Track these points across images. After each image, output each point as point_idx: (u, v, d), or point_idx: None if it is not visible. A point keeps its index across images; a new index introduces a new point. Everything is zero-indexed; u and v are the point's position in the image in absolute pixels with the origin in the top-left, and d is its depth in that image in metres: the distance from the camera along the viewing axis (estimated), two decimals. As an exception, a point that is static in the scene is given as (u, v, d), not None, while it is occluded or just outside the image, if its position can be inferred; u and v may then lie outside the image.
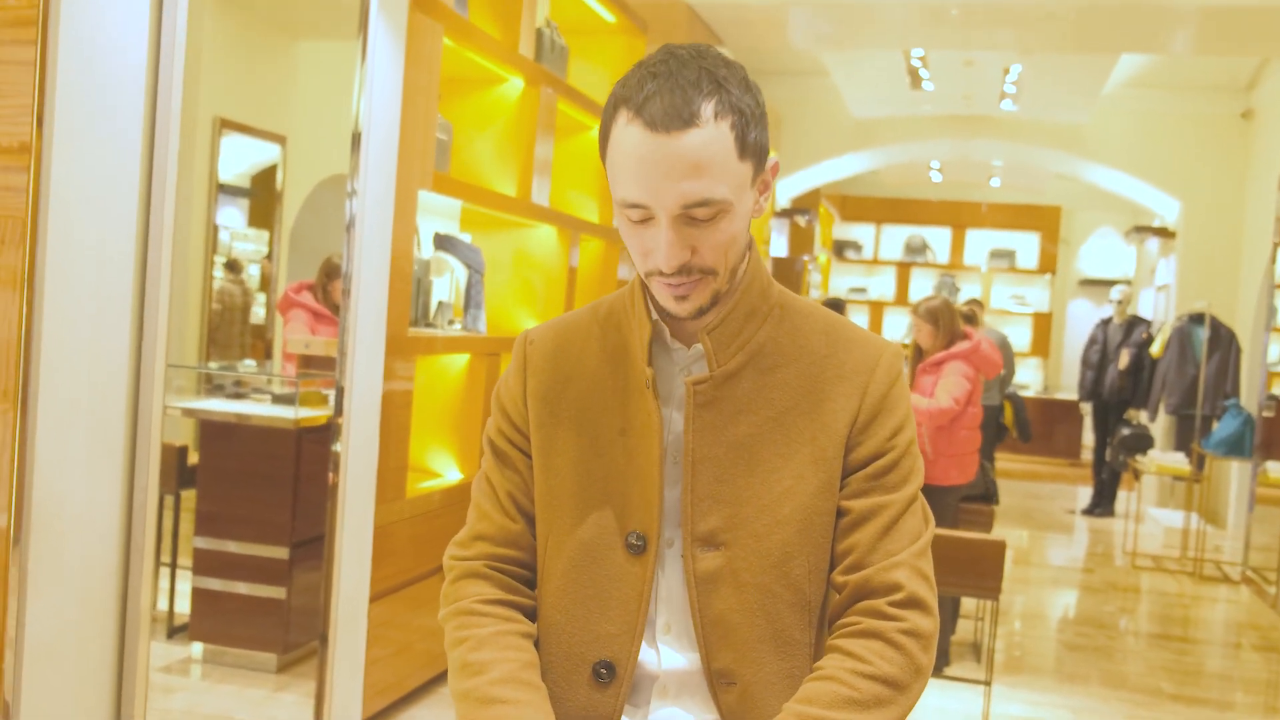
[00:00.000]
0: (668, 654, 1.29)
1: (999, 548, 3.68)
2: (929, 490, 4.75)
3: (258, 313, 4.82)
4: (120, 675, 2.80)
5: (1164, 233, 10.09)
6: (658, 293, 1.25)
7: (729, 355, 1.29)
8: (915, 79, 8.53)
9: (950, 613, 4.87)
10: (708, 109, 1.15)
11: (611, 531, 1.29)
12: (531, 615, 1.36)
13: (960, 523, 4.87)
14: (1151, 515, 8.39)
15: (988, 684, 3.88)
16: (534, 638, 1.34)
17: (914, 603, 1.23)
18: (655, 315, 1.31)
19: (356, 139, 3.22)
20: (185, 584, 4.21)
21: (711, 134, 1.15)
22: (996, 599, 3.76)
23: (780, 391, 1.29)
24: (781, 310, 1.33)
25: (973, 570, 3.71)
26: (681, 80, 1.15)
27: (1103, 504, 9.21)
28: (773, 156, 1.26)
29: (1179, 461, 7.41)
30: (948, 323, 4.72)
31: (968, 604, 5.38)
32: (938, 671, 4.55)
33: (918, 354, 4.95)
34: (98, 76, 2.35)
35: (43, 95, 2.20)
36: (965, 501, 4.98)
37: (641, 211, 1.19)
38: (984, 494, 5.05)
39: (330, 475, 3.36)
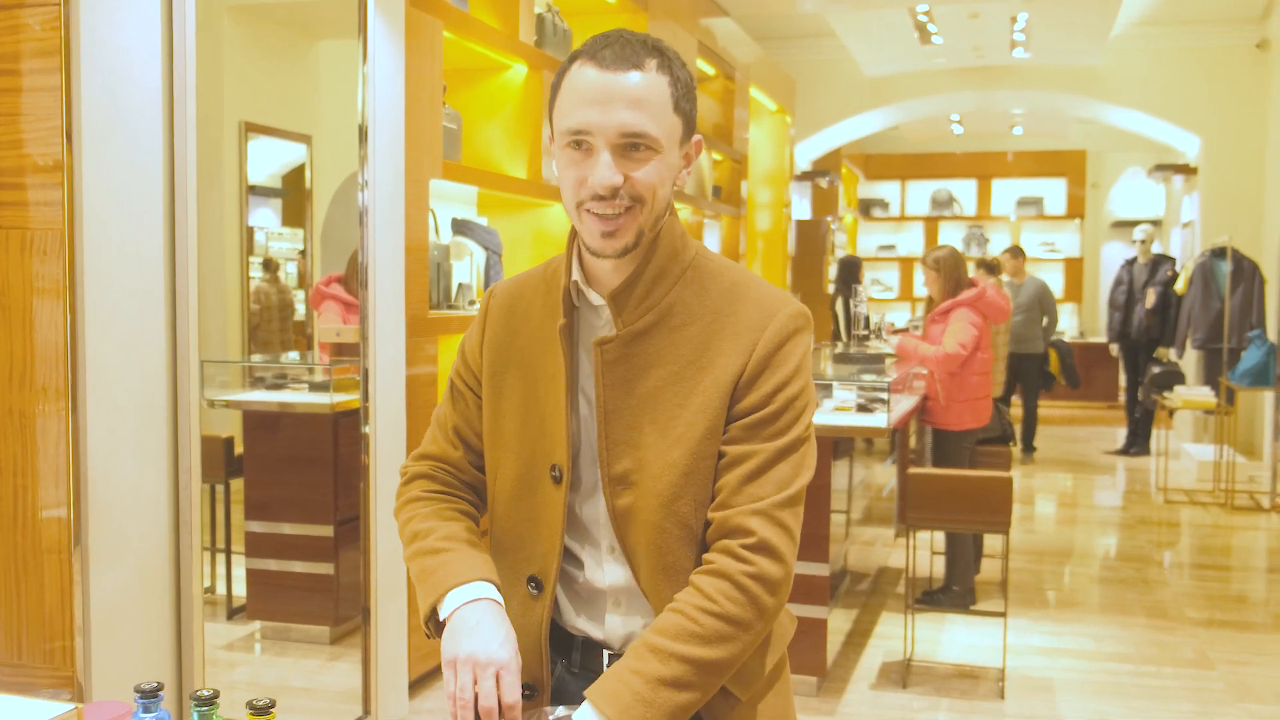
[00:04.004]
0: (611, 570, 1.46)
1: (1005, 484, 3.82)
2: (945, 435, 4.91)
3: (299, 309, 5.02)
4: (180, 649, 3.03)
5: (1186, 170, 10.08)
6: (587, 230, 1.38)
7: (636, 316, 1.41)
8: (924, 34, 8.58)
9: (974, 553, 5.01)
10: (651, 62, 1.36)
11: (540, 464, 1.47)
12: (469, 509, 1.57)
13: (979, 465, 5.00)
14: (1186, 451, 8.45)
15: (1004, 615, 4.04)
16: (473, 516, 1.56)
17: (763, 548, 1.34)
18: (575, 275, 1.45)
19: (364, 134, 3.40)
20: (239, 569, 4.46)
21: (653, 79, 1.36)
22: (1007, 532, 3.91)
23: (685, 347, 1.41)
24: (693, 271, 1.44)
25: (984, 506, 3.86)
26: (631, 40, 1.38)
27: (1138, 443, 9.27)
28: (696, 136, 1.43)
29: (1204, 395, 7.48)
30: (951, 271, 4.85)
31: (991, 545, 5.52)
32: (964, 609, 4.71)
33: (930, 303, 5.08)
34: (117, 94, 2.55)
35: (69, 116, 2.40)
36: (983, 444, 5.11)
37: (584, 138, 1.35)
38: (1001, 436, 5.18)
39: (362, 456, 3.57)
